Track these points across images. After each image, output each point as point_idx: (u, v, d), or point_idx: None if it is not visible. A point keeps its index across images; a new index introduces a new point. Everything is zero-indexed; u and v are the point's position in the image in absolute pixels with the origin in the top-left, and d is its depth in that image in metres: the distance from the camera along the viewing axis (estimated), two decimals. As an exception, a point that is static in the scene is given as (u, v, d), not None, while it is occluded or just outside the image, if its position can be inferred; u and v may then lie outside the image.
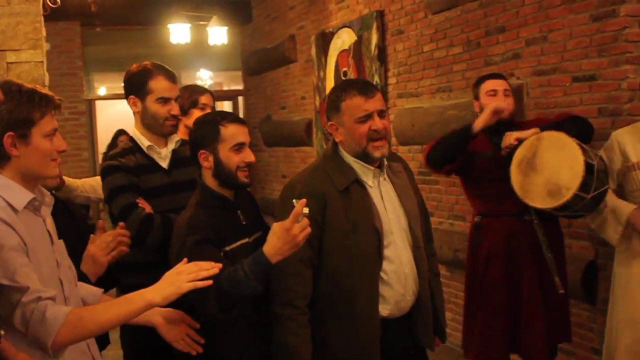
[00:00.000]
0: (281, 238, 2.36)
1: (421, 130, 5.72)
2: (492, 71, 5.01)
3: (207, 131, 2.74)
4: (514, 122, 3.97)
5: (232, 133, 2.72)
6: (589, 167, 3.40)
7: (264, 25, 9.78)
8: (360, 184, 2.78)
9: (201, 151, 2.74)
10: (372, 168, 2.81)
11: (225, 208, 2.76)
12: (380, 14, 6.54)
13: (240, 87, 11.43)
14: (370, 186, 2.81)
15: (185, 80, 16.53)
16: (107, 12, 9.62)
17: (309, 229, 2.38)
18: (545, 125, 3.77)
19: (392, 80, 6.45)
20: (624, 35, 3.97)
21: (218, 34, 8.57)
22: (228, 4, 9.88)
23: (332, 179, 2.75)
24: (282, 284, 2.66)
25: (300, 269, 2.67)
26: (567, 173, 3.48)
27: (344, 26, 7.26)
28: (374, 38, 6.63)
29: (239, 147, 2.72)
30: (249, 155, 2.74)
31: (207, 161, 2.73)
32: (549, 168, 3.57)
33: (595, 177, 3.41)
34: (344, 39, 7.27)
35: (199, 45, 9.95)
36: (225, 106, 13.45)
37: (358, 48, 6.97)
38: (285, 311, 2.66)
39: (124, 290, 3.08)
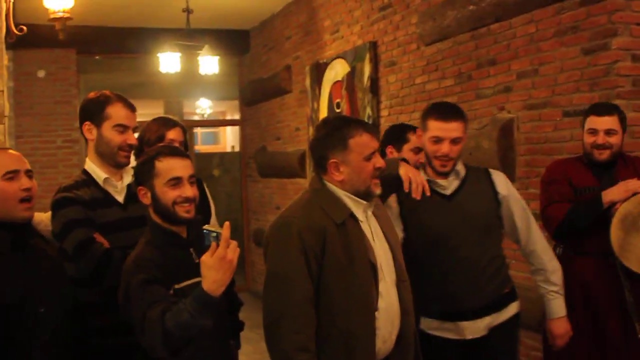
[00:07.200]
0: (220, 269, 2.26)
1: (412, 163, 5.57)
2: (483, 104, 4.89)
3: (143, 167, 2.66)
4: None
5: (168, 167, 2.62)
6: None
7: (261, 55, 9.69)
8: (354, 218, 2.64)
9: (139, 188, 2.67)
10: (364, 202, 2.67)
11: (176, 245, 2.64)
12: (374, 45, 6.44)
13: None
14: (361, 221, 2.66)
15: (186, 109, 16.49)
16: (104, 39, 9.54)
17: (238, 249, 2.28)
18: None
19: (384, 113, 6.31)
20: (616, 69, 3.84)
21: (209, 63, 8.48)
22: (225, 33, 9.79)
23: (328, 213, 2.58)
24: (291, 326, 2.48)
25: (307, 309, 2.51)
26: None
27: (338, 57, 7.16)
28: (367, 69, 6.51)
29: (175, 182, 2.61)
30: (186, 190, 2.62)
31: (145, 197, 2.66)
32: None
33: None
34: (338, 70, 7.16)
35: (194, 75, 9.86)
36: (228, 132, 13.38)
37: (351, 79, 6.85)
38: (300, 357, 2.47)
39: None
